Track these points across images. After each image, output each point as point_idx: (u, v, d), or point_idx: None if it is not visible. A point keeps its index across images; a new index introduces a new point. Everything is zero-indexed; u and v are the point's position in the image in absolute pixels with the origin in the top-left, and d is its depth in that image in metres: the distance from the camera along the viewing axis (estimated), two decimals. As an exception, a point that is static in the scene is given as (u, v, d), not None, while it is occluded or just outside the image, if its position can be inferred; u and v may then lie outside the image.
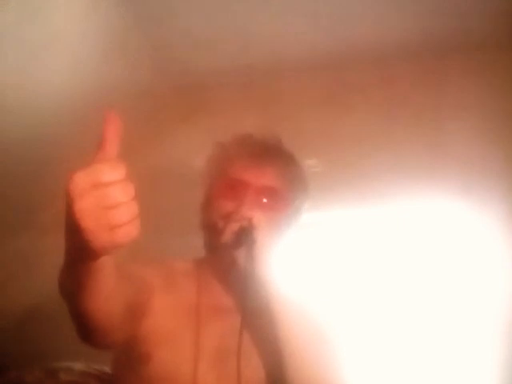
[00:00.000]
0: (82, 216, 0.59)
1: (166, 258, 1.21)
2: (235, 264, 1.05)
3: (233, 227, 1.04)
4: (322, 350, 1.03)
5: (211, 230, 1.11)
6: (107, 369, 1.37)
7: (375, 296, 1.75)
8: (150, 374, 1.00)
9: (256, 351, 1.04)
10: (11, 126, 1.51)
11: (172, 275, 1.13)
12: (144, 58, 1.71)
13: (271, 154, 1.15)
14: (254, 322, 1.04)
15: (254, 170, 1.11)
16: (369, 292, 1.76)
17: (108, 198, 0.59)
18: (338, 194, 1.73)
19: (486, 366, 1.57)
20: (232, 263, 1.05)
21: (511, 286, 1.58)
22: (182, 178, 1.64)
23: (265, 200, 1.10)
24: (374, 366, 1.68)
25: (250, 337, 1.04)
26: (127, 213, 0.60)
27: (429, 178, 1.69)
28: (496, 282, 1.60)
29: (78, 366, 1.43)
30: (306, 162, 1.25)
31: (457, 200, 1.69)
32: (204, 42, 1.68)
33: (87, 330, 0.83)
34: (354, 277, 1.78)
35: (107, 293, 0.77)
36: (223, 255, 1.08)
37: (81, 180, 0.59)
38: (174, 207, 1.74)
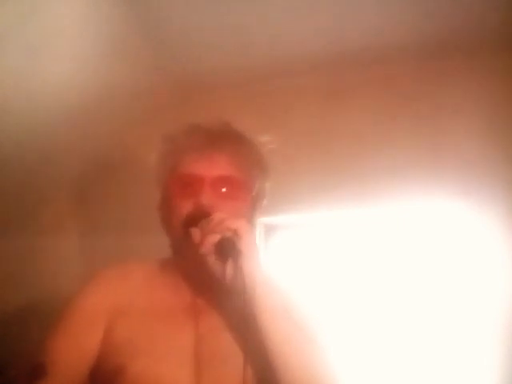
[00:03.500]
0: None
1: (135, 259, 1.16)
2: (220, 276, 0.98)
3: (213, 238, 0.96)
4: (313, 351, 0.98)
5: (175, 234, 1.06)
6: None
7: (374, 297, 1.75)
8: None
9: (244, 355, 0.96)
10: (11, 126, 1.51)
11: (136, 280, 1.09)
12: (144, 57, 1.71)
13: (220, 141, 1.09)
14: (239, 325, 0.98)
15: (205, 161, 1.06)
16: (367, 293, 1.76)
17: None
18: (337, 194, 1.73)
19: (486, 366, 1.57)
20: (215, 274, 0.98)
21: (511, 286, 1.58)
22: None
23: (224, 190, 1.05)
24: (373, 367, 1.68)
25: (237, 340, 0.99)
26: None
27: (428, 177, 1.69)
28: (496, 282, 1.60)
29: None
30: (260, 139, 1.17)
31: (456, 200, 1.69)
32: (204, 41, 1.68)
33: None
34: (353, 278, 1.78)
35: None
36: (202, 266, 0.99)
37: None
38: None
